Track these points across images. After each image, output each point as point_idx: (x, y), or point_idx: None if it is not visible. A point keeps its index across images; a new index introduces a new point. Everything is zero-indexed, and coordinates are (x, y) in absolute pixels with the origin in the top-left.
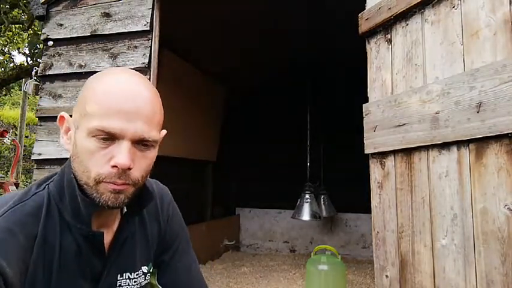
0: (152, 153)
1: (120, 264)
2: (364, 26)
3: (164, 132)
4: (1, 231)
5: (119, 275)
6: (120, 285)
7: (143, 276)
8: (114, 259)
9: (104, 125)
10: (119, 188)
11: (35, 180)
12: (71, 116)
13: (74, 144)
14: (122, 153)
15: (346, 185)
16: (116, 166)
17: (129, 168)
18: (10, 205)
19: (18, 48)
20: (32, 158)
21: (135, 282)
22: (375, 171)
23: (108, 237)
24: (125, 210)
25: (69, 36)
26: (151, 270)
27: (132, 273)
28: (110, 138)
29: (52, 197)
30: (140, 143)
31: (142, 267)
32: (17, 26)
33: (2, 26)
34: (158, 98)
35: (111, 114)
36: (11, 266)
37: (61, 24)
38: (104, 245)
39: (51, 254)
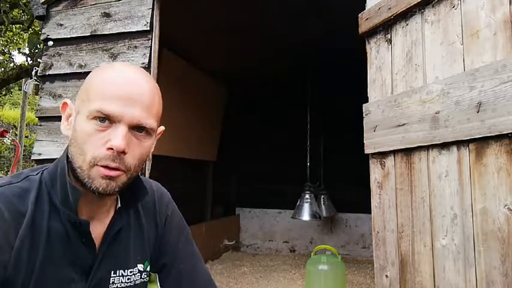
0: (148, 143)
1: (113, 259)
2: (364, 26)
3: (162, 128)
4: None
5: (112, 272)
6: (113, 282)
7: (139, 274)
8: (105, 253)
9: (104, 107)
10: (110, 174)
11: None
12: None
13: (73, 129)
14: (117, 137)
15: (346, 185)
16: (111, 148)
17: (124, 153)
18: None
19: (19, 49)
20: (32, 158)
21: (128, 279)
22: (375, 171)
23: (100, 231)
24: (119, 205)
25: (69, 36)
26: (147, 269)
27: (126, 270)
28: (108, 120)
29: (44, 182)
30: (136, 129)
31: (138, 265)
32: (17, 26)
33: (3, 26)
34: (158, 91)
35: (111, 98)
36: None
37: (61, 24)
38: (91, 234)
39: (39, 236)
